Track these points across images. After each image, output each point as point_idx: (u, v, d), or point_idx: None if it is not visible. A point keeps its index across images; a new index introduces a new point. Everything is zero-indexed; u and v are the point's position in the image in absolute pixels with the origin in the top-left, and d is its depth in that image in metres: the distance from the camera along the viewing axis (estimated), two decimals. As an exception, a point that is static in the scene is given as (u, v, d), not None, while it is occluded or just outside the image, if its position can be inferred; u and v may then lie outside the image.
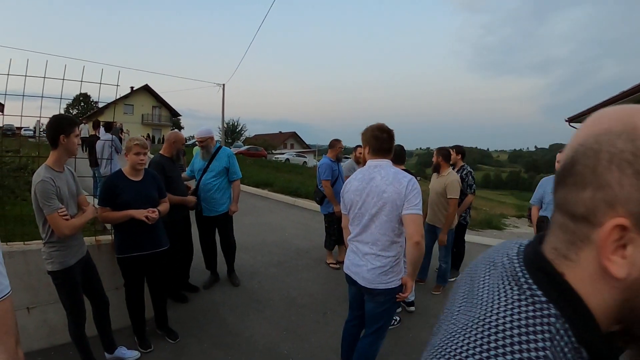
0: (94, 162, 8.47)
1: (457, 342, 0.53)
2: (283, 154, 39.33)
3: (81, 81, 3.91)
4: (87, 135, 12.13)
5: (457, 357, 0.51)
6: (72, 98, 52.47)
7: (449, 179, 4.68)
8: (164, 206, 3.49)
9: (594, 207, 0.49)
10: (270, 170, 20.06)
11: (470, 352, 0.50)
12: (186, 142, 4.44)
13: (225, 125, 34.34)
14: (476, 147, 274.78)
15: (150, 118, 49.52)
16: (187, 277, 4.72)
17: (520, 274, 0.57)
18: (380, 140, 2.57)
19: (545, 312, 0.50)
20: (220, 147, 4.77)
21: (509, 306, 0.53)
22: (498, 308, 0.54)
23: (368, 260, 2.54)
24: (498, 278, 0.59)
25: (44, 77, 3.65)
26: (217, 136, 33.13)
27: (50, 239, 2.71)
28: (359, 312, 2.85)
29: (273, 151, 43.72)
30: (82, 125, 12.39)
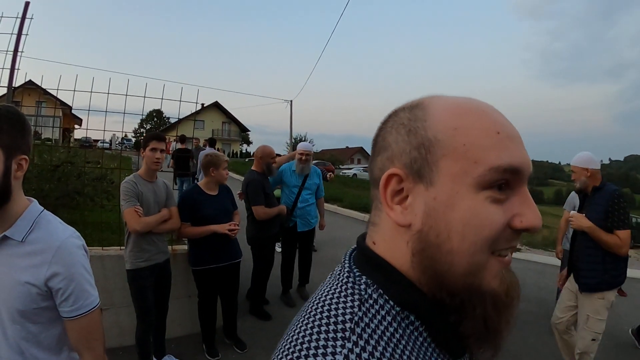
0: (182, 174, 8.99)
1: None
2: (350, 169, 39.28)
3: (162, 99, 4.05)
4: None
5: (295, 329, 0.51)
6: (146, 114, 55.76)
7: None
8: (237, 218, 3.58)
9: (383, 167, 0.54)
10: (338, 185, 19.88)
11: (298, 320, 0.52)
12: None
13: (292, 140, 35.15)
14: (547, 161, 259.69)
15: (220, 133, 51.51)
16: (264, 291, 4.66)
17: (346, 258, 0.59)
18: None
19: (358, 282, 0.52)
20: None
21: (333, 284, 0.55)
22: (326, 286, 0.56)
23: None
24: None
25: (126, 95, 3.81)
26: (285, 151, 33.86)
27: (127, 240, 2.91)
28: None
29: (340, 166, 43.79)
30: (173, 143, 13.06)
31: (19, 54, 5.70)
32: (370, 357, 0.44)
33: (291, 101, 31.46)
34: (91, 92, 3.77)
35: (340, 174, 32.58)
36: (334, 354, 0.44)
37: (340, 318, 0.48)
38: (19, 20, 5.83)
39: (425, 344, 0.50)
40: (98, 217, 4.82)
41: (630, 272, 7.11)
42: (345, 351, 0.44)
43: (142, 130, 56.85)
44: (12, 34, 5.61)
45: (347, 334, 0.46)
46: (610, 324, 4.82)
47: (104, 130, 3.95)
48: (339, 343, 0.45)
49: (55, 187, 5.22)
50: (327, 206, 12.31)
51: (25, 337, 1.15)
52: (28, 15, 5.92)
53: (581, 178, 3.04)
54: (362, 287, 0.51)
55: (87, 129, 4.27)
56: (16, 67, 5.75)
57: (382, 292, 0.51)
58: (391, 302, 0.50)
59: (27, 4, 6.01)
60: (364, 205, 12.25)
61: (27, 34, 5.74)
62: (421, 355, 0.48)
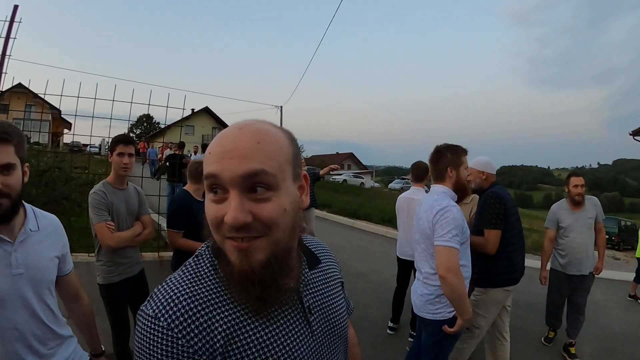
0: (174, 180, 8.70)
1: None
2: (340, 174, 38.91)
3: (149, 104, 4.04)
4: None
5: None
6: (136, 119, 55.52)
7: (474, 204, 3.61)
8: None
9: None
10: (327, 191, 19.87)
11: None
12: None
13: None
14: (536, 166, 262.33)
15: (210, 138, 50.60)
16: None
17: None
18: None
19: (203, 246, 0.84)
20: None
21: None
22: None
23: (417, 286, 2.50)
24: None
25: (113, 100, 3.79)
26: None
27: (98, 253, 2.73)
28: (420, 342, 2.67)
29: (330, 172, 43.54)
30: (166, 150, 12.84)
31: (7, 57, 5.65)
32: (183, 270, 0.80)
33: (281, 107, 31.40)
34: (78, 97, 3.74)
35: (331, 179, 32.28)
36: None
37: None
38: (7, 24, 5.78)
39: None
40: (85, 223, 4.75)
41: (622, 275, 7.22)
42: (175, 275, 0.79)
43: (131, 135, 56.20)
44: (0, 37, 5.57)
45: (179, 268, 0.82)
46: (600, 325, 4.87)
47: (91, 136, 3.94)
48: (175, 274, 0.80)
49: (42, 192, 5.17)
50: (317, 212, 12.36)
51: (56, 303, 1.54)
52: (17, 18, 5.88)
53: (476, 180, 3.21)
54: (204, 248, 0.84)
55: (74, 134, 4.25)
56: (4, 70, 5.70)
57: (210, 249, 0.82)
58: (211, 254, 0.80)
59: (15, 7, 5.97)
60: (354, 211, 12.34)
61: (15, 38, 5.70)
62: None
